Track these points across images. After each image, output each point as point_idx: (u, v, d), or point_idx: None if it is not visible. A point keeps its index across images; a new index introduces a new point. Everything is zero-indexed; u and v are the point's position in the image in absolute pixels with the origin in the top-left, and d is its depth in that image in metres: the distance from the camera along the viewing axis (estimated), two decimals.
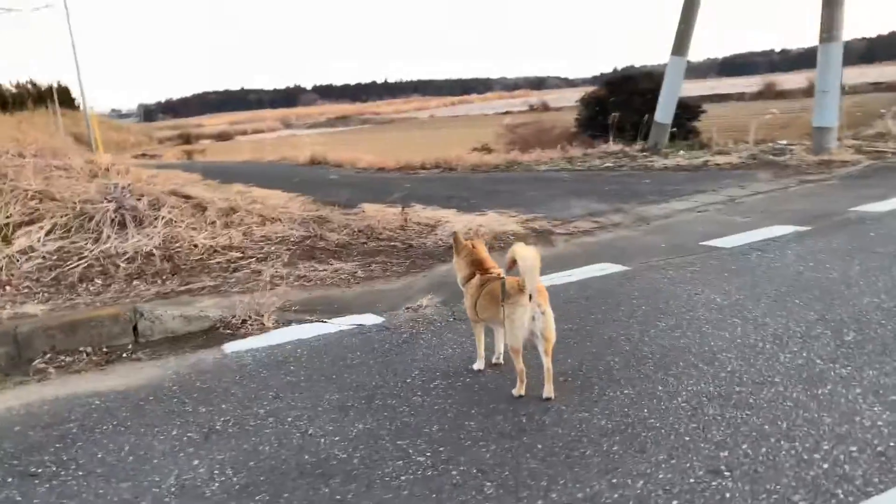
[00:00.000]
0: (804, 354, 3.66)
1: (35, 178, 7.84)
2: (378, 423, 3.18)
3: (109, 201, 7.38)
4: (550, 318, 3.23)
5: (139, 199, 7.55)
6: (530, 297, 3.14)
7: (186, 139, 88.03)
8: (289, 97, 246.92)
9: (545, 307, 3.20)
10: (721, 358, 3.68)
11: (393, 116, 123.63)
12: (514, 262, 3.21)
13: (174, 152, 54.98)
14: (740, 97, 65.68)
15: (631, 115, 18.37)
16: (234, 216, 7.88)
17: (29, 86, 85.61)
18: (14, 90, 74.38)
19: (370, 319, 4.90)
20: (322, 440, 3.04)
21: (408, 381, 3.66)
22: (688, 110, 20.29)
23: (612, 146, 15.51)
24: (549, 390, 3.27)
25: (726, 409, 3.09)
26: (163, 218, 7.31)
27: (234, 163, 27.93)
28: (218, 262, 6.70)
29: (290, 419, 3.28)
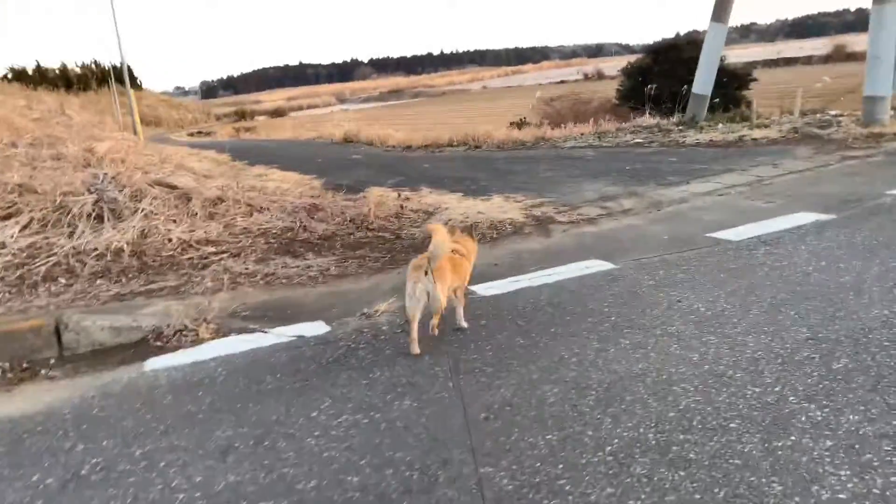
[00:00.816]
0: (777, 388, 3.05)
1: (21, 170, 7.69)
2: (252, 473, 2.76)
3: (91, 193, 7.15)
4: (438, 291, 3.71)
5: (122, 191, 7.30)
6: (426, 273, 3.67)
7: (242, 115, 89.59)
8: (345, 71, 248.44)
9: (432, 283, 3.68)
10: (677, 391, 3.11)
11: (445, 89, 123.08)
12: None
13: (227, 129, 55.95)
14: (807, 61, 62.39)
15: (674, 85, 17.32)
16: (219, 206, 7.56)
17: (93, 66, 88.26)
18: (79, 71, 76.84)
19: (314, 329, 4.48)
20: (180, 496, 2.64)
21: (312, 415, 3.23)
22: (735, 78, 19.05)
23: (648, 119, 14.60)
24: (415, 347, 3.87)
25: (658, 467, 2.54)
26: (142, 210, 7.05)
27: (272, 141, 27.97)
28: (189, 259, 6.39)
29: (162, 464, 2.89)
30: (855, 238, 5.29)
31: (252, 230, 7.08)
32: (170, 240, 6.62)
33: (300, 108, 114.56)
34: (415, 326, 3.84)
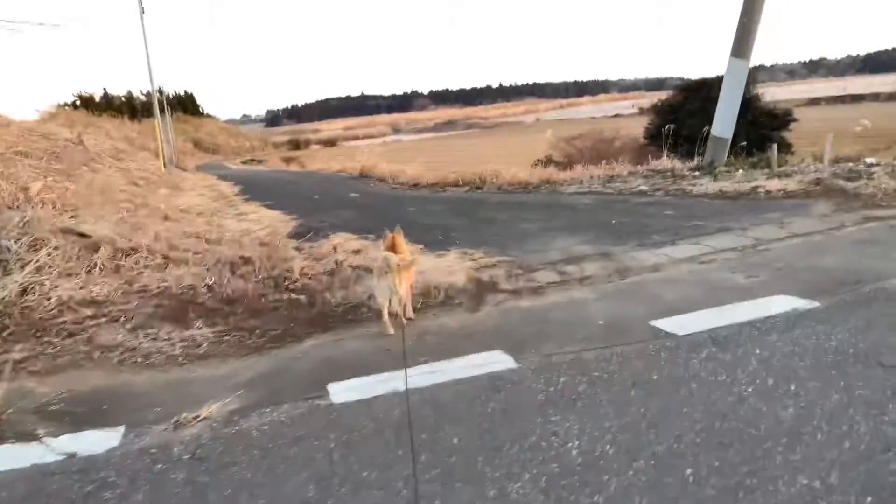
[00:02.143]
0: None
1: None
2: None
3: None
4: (400, 283, 4.84)
5: (19, 240, 6.61)
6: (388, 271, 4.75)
7: (296, 145, 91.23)
8: (404, 103, 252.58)
9: (396, 277, 4.77)
10: None
11: (498, 120, 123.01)
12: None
13: (276, 159, 56.52)
14: (875, 97, 59.28)
15: (705, 124, 16.05)
16: (130, 258, 6.78)
17: (157, 94, 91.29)
18: (144, 98, 79.54)
19: (100, 442, 3.56)
20: None
21: None
22: (774, 119, 17.61)
23: (666, 163, 13.35)
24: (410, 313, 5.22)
25: None
26: (36, 262, 6.31)
27: (297, 173, 27.71)
28: (61, 323, 5.59)
29: None
30: (829, 342, 4.06)
31: (151, 289, 6.24)
32: (49, 299, 5.83)
33: (355, 138, 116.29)
34: (386, 311, 5.01)
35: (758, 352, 4.01)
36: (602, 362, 4.06)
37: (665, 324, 4.69)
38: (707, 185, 10.56)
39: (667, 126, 15.08)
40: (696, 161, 12.88)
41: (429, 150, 50.69)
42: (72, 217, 7.56)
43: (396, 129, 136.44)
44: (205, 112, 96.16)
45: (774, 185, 9.71)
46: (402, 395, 3.82)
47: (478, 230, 8.95)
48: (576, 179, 13.21)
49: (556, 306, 5.42)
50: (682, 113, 18.58)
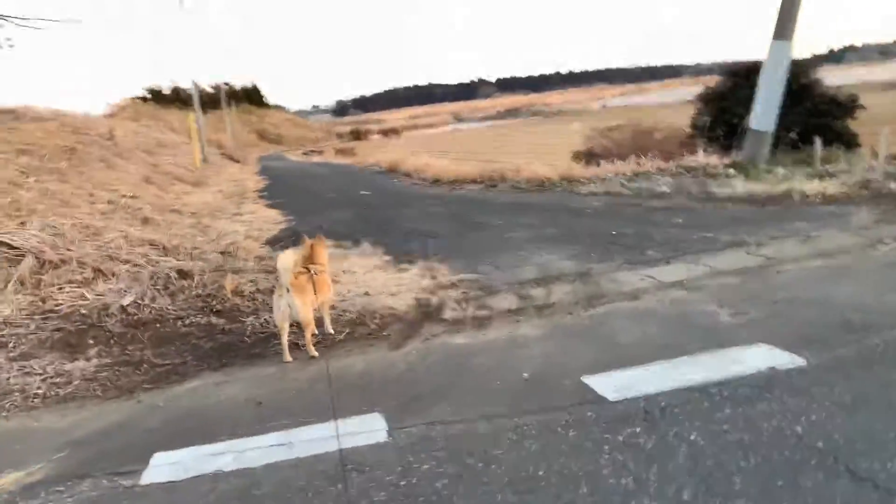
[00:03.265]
0: None
1: None
2: None
3: None
4: (299, 305, 4.34)
5: None
6: (288, 290, 4.30)
7: (357, 135, 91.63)
8: (470, 90, 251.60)
9: (294, 298, 4.31)
10: None
11: (563, 107, 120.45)
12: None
13: (332, 150, 56.65)
14: None
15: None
16: (57, 271, 6.20)
17: (224, 86, 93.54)
18: (211, 90, 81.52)
19: None
20: None
21: None
22: (837, 106, 15.81)
23: (701, 158, 12.03)
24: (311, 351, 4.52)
25: None
26: None
27: (333, 166, 27.27)
28: None
29: None
30: (795, 427, 3.01)
31: (60, 309, 5.63)
32: None
33: (416, 127, 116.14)
34: (284, 337, 4.48)
35: (693, 438, 3.00)
36: (488, 442, 3.14)
37: (601, 382, 3.70)
38: (738, 186, 9.30)
39: (705, 117, 13.63)
40: (734, 157, 11.52)
41: (479, 140, 49.67)
42: (23, 222, 7.05)
43: (459, 118, 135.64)
44: (270, 103, 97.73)
45: (813, 187, 8.39)
46: (224, 477, 3.01)
47: (461, 238, 8.06)
48: (598, 177, 12.07)
49: (489, 347, 4.48)
50: (730, 101, 16.96)
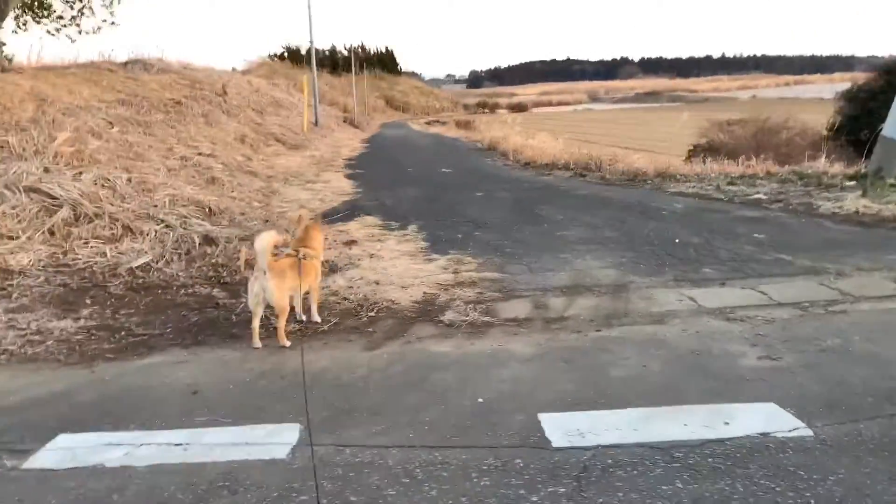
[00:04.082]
0: None
1: None
2: None
3: None
4: (273, 289, 4.09)
5: None
6: (264, 272, 4.07)
7: (484, 107, 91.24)
8: (611, 69, 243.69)
9: (268, 281, 4.08)
10: None
11: (708, 94, 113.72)
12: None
13: (453, 122, 56.72)
14: None
15: None
16: (90, 224, 6.36)
17: (359, 50, 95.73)
18: (346, 54, 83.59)
19: None
20: None
21: None
22: None
23: (821, 165, 10.71)
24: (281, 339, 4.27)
25: None
26: None
27: (438, 137, 27.07)
28: None
29: None
30: None
31: (74, 264, 5.73)
32: None
33: (549, 104, 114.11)
34: (256, 321, 4.25)
35: None
36: (388, 478, 2.73)
37: (556, 422, 3.18)
38: (848, 201, 8.09)
39: (841, 118, 12.13)
40: (861, 167, 10.12)
41: (602, 123, 47.85)
42: (80, 172, 7.30)
43: (594, 98, 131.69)
44: (403, 70, 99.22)
45: None
46: (100, 473, 2.81)
47: (511, 231, 7.56)
48: (698, 175, 11.04)
49: (464, 361, 4.03)
50: (880, 101, 15.04)
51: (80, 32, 16.38)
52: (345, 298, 5.18)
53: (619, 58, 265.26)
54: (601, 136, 35.44)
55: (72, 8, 15.65)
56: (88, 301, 5.11)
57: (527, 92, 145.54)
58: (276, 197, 9.82)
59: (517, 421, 3.20)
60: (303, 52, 77.85)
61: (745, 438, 2.98)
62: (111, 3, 15.99)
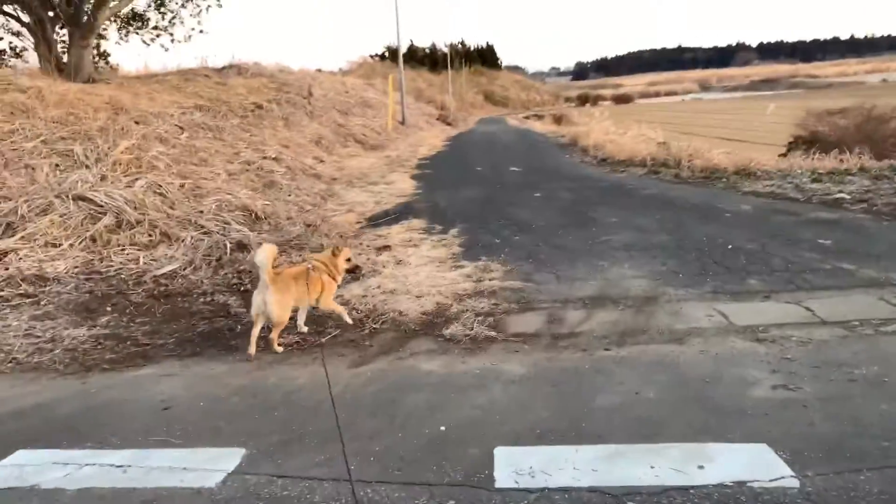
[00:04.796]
0: None
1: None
2: None
3: None
4: (273, 303, 4.15)
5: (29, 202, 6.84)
6: (267, 285, 4.13)
7: (584, 101, 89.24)
8: (726, 56, 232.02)
9: (270, 295, 4.14)
10: None
11: (833, 80, 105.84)
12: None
13: (551, 115, 55.87)
14: None
15: None
16: (131, 231, 6.62)
17: (458, 46, 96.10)
18: (446, 51, 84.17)
19: None
20: None
21: None
22: None
23: None
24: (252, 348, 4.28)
25: None
26: (24, 229, 6.42)
27: (517, 133, 26.65)
28: None
29: None
30: None
31: (108, 272, 5.95)
32: (6, 268, 5.85)
33: (656, 95, 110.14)
34: (255, 330, 4.28)
35: None
36: None
37: (511, 458, 2.93)
38: None
39: None
40: None
41: (706, 114, 45.46)
42: (135, 179, 7.64)
43: (705, 87, 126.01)
44: (504, 64, 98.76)
45: None
46: (31, 495, 2.85)
47: (554, 235, 7.25)
48: (779, 172, 10.19)
49: (447, 382, 3.83)
50: None
51: (172, 41, 17.30)
52: (354, 308, 5.07)
53: (734, 44, 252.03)
54: (701, 127, 33.72)
55: (163, 18, 16.54)
56: (109, 308, 5.28)
57: (634, 83, 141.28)
58: (333, 200, 9.90)
59: (470, 455, 2.97)
60: (404, 51, 79.25)
61: (715, 488, 2.61)
62: (199, 13, 16.78)
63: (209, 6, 16.88)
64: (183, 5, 16.74)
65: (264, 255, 4.16)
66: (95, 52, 17.30)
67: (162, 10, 16.63)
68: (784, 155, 15.83)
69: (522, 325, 4.70)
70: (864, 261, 5.58)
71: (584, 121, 35.08)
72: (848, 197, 7.86)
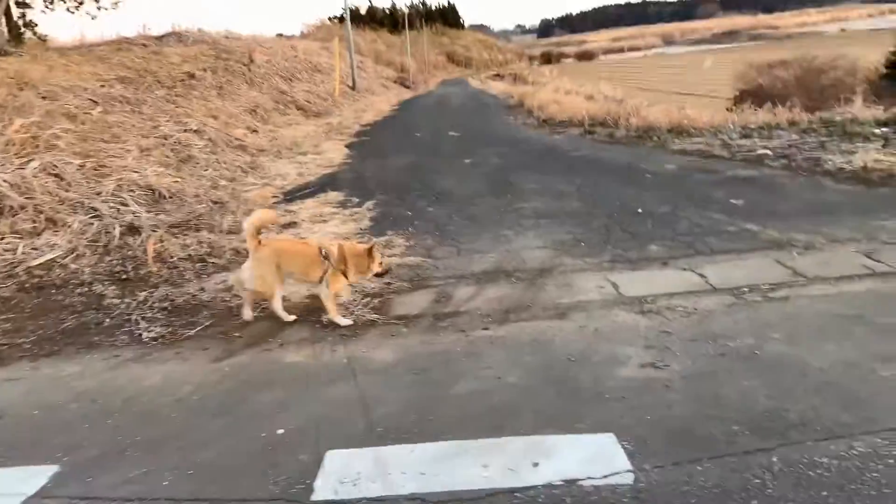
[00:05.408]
0: None
1: None
2: None
3: None
4: (248, 276, 4.06)
5: None
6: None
7: (548, 58, 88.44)
8: (689, 9, 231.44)
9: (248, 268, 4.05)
10: None
11: (792, 31, 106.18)
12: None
13: (511, 75, 55.13)
14: None
15: None
16: (14, 218, 6.20)
17: (420, 6, 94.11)
18: (406, 11, 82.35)
19: None
20: None
21: None
22: None
23: (857, 110, 9.50)
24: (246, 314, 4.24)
25: None
26: None
27: (470, 95, 26.23)
28: None
29: None
30: None
31: None
32: None
33: (620, 51, 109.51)
34: (245, 300, 4.26)
35: None
36: None
37: (339, 464, 2.71)
38: (861, 155, 7.05)
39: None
40: None
41: (661, 70, 45.32)
42: (28, 161, 7.17)
43: (668, 41, 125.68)
44: (467, 24, 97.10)
45: None
46: None
47: (468, 204, 7.06)
48: (713, 128, 10.01)
49: (308, 374, 3.59)
50: None
51: (99, 9, 16.44)
52: (235, 295, 4.78)
53: None
54: (659, 83, 33.57)
55: None
56: None
57: (598, 38, 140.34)
58: (256, 173, 9.52)
59: (299, 462, 2.74)
60: (362, 12, 77.23)
61: (544, 488, 2.42)
62: None
63: None
64: None
65: (250, 222, 4.03)
66: (21, 22, 16.45)
67: None
68: (730, 109, 15.74)
69: (408, 307, 4.46)
70: (771, 220, 5.44)
71: (540, 80, 34.66)
72: (770, 153, 7.72)
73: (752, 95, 16.58)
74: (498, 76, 60.06)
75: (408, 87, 39.16)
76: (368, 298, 4.61)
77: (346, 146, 11.92)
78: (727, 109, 15.61)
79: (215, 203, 7.29)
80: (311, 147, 11.80)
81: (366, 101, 23.27)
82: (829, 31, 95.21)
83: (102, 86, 11.31)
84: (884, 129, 8.09)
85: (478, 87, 37.43)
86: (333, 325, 4.19)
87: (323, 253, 4.11)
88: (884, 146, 7.22)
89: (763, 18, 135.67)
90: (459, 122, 15.68)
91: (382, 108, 20.98)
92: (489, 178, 8.27)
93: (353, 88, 25.09)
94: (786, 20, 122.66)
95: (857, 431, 2.57)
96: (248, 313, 4.25)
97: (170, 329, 4.32)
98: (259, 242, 4.11)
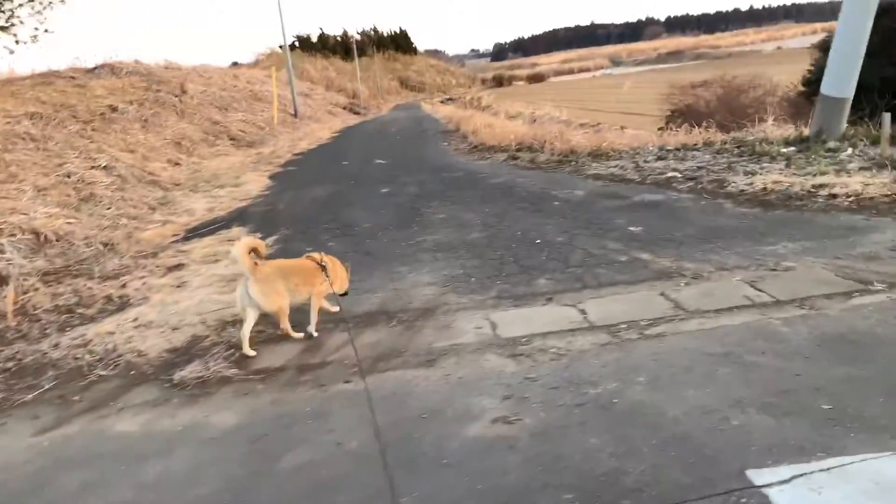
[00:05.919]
0: None
1: None
2: None
3: None
4: (258, 293, 4.02)
5: None
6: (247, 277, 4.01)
7: (499, 81, 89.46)
8: (636, 30, 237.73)
9: (253, 286, 4.01)
10: None
11: (732, 49, 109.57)
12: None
13: (464, 98, 55.44)
14: None
15: (884, 67, 11.82)
16: None
17: (371, 33, 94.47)
18: (358, 38, 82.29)
19: None
20: None
21: None
22: None
23: (768, 129, 9.54)
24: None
25: None
26: None
27: (413, 120, 26.19)
28: None
29: None
30: None
31: None
32: None
33: (570, 72, 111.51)
34: (245, 327, 4.11)
35: None
36: None
37: None
38: (761, 176, 7.00)
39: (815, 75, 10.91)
40: (801, 129, 8.95)
41: (602, 90, 46.10)
42: None
43: (616, 62, 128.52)
44: (417, 50, 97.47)
45: (856, 182, 6.02)
46: None
47: (370, 238, 6.80)
48: (631, 150, 9.97)
49: (130, 451, 3.24)
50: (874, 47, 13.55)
51: (16, 42, 15.83)
52: (90, 352, 4.40)
53: (644, 18, 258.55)
54: (601, 103, 34.06)
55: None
56: None
57: (549, 60, 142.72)
58: (165, 209, 9.12)
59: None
60: (314, 39, 76.97)
61: None
62: (42, 10, 15.39)
63: (51, 2, 15.48)
64: (20, 5, 15.28)
65: (239, 247, 4.06)
66: None
67: None
68: (661, 129, 15.90)
69: (273, 357, 4.15)
70: (665, 248, 5.29)
71: (488, 103, 34.84)
72: (679, 175, 7.65)
73: (682, 114, 16.80)
74: (450, 100, 60.40)
75: (357, 114, 38.96)
76: (232, 350, 4.27)
77: (270, 177, 11.59)
78: (658, 129, 15.77)
79: (105, 245, 6.88)
80: (233, 179, 11.44)
81: (307, 128, 22.97)
82: (766, 49, 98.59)
83: (7, 123, 10.82)
84: (790, 149, 8.10)
85: (427, 112, 37.36)
86: (184, 383, 3.85)
87: (322, 262, 4.34)
88: (787, 166, 7.19)
89: (705, 39, 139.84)
90: (392, 149, 15.50)
91: (321, 135, 20.70)
92: (400, 208, 8.04)
93: (295, 116, 24.78)
94: (727, 40, 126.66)
95: (692, 497, 2.34)
96: (248, 347, 4.14)
97: (5, 395, 3.93)
98: (255, 264, 4.11)
